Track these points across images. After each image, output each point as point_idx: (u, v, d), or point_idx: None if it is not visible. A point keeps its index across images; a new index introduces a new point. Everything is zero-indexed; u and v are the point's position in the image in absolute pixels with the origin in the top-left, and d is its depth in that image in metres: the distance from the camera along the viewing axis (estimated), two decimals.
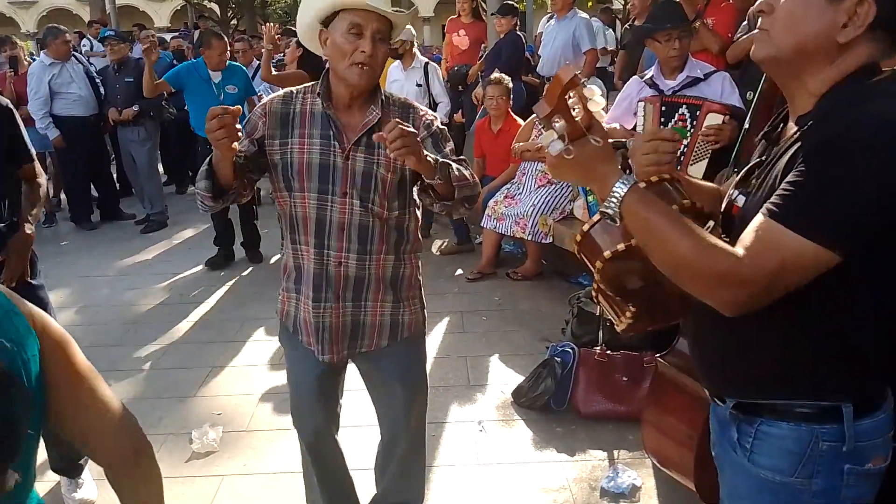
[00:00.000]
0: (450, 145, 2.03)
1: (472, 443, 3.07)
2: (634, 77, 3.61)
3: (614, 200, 1.21)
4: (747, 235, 1.15)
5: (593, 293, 1.42)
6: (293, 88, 2.02)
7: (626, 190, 1.20)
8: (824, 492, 1.26)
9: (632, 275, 1.30)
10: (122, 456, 1.16)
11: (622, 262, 1.28)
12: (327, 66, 1.96)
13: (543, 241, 4.80)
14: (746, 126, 2.16)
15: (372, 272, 2.00)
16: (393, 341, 2.10)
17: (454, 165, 1.89)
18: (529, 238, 4.80)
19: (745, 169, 1.37)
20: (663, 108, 3.12)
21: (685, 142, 3.05)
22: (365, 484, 2.46)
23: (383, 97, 1.98)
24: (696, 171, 2.97)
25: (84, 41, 9.92)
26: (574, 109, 1.18)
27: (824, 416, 1.24)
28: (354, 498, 2.41)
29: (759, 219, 1.15)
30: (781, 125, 1.34)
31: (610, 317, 1.42)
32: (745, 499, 1.36)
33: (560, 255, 4.94)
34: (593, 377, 3.21)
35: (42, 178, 2.61)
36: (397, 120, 1.71)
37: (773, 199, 1.15)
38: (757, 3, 1.27)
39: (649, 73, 3.42)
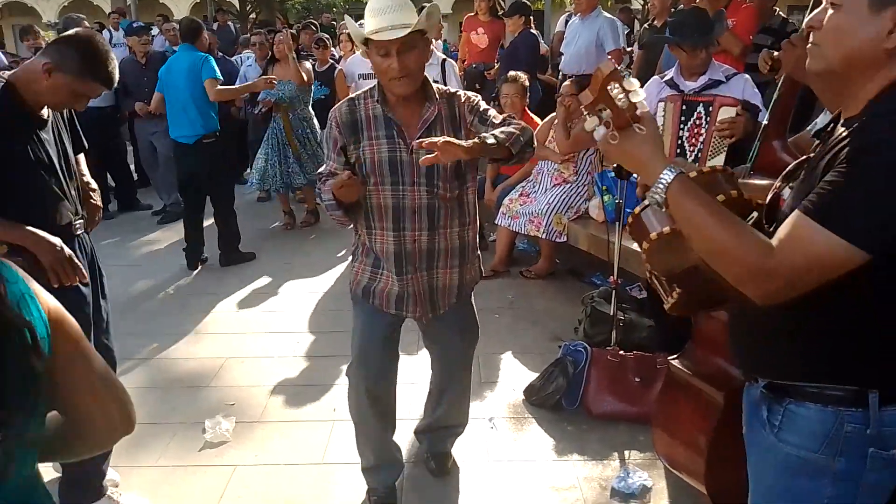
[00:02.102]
0: (492, 111, 2.27)
1: (483, 440, 3.07)
2: (655, 77, 3.59)
3: (661, 187, 1.27)
4: (782, 230, 1.21)
5: (647, 274, 1.55)
6: (353, 96, 2.30)
7: (672, 177, 1.27)
8: (846, 473, 1.31)
9: (676, 258, 1.39)
10: (109, 429, 1.15)
11: (667, 245, 1.37)
12: None
13: (558, 239, 4.79)
14: (763, 127, 2.15)
15: (441, 244, 2.31)
16: (459, 299, 2.47)
17: (498, 131, 2.11)
18: (544, 236, 4.79)
19: (795, 164, 1.43)
20: (684, 107, 3.11)
21: (701, 138, 3.04)
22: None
23: (436, 92, 2.24)
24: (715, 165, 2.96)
25: (104, 32, 9.99)
26: (619, 100, 1.25)
27: (851, 401, 1.29)
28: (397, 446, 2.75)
29: (794, 214, 1.20)
30: (832, 125, 1.38)
31: (661, 295, 1.53)
32: (770, 476, 1.42)
33: (574, 254, 4.93)
34: (605, 377, 3.20)
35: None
36: (423, 141, 1.97)
37: (809, 196, 1.19)
38: (807, 19, 1.35)
39: (670, 74, 3.40)
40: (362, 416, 2.55)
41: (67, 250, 2.26)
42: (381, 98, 2.20)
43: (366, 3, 2.16)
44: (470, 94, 2.33)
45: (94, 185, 2.67)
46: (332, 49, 7.87)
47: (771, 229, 1.31)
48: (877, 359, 1.27)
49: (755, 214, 1.37)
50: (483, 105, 2.30)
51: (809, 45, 1.34)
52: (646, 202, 1.38)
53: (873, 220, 1.13)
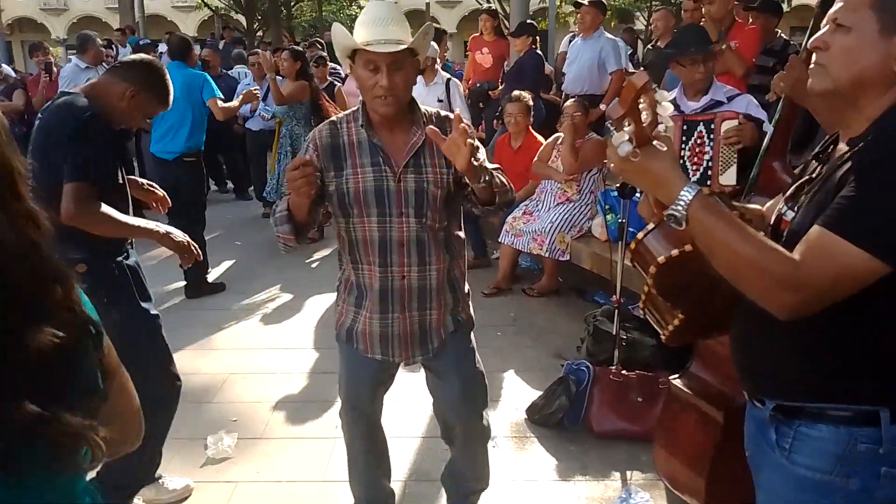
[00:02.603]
0: (483, 155, 2.09)
1: None
2: None
3: (682, 204, 1.27)
4: (803, 245, 1.21)
5: (640, 303, 1.51)
6: (335, 118, 2.14)
7: (693, 195, 1.26)
8: (860, 492, 1.31)
9: (684, 280, 1.38)
10: (122, 440, 1.17)
11: (674, 269, 1.36)
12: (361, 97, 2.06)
13: (561, 258, 4.80)
14: (764, 147, 2.17)
15: (433, 280, 2.12)
16: (454, 340, 2.24)
17: (495, 173, 2.01)
18: (547, 255, 4.80)
19: (795, 185, 1.43)
20: (685, 127, 3.13)
21: (707, 157, 3.04)
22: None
23: (424, 115, 2.08)
24: (727, 179, 2.96)
25: (112, 48, 10.10)
26: (643, 114, 1.25)
27: (863, 420, 1.29)
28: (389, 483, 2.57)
29: (814, 230, 1.21)
30: (832, 147, 1.40)
31: (655, 325, 1.51)
32: (783, 496, 1.41)
33: (577, 272, 4.94)
34: (608, 396, 3.20)
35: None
36: (435, 130, 1.85)
37: (828, 211, 1.21)
38: (812, 39, 1.35)
39: (672, 95, 3.43)
40: (355, 456, 2.45)
41: (185, 236, 2.60)
42: (366, 122, 2.04)
43: None
44: (470, 126, 2.19)
45: None
46: (337, 66, 7.93)
47: None
48: (887, 376, 1.28)
49: (760, 234, 1.36)
50: (478, 145, 2.07)
51: (813, 65, 1.34)
52: (649, 226, 1.39)
53: (893, 230, 1.15)
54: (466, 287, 2.29)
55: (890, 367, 1.27)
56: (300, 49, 6.92)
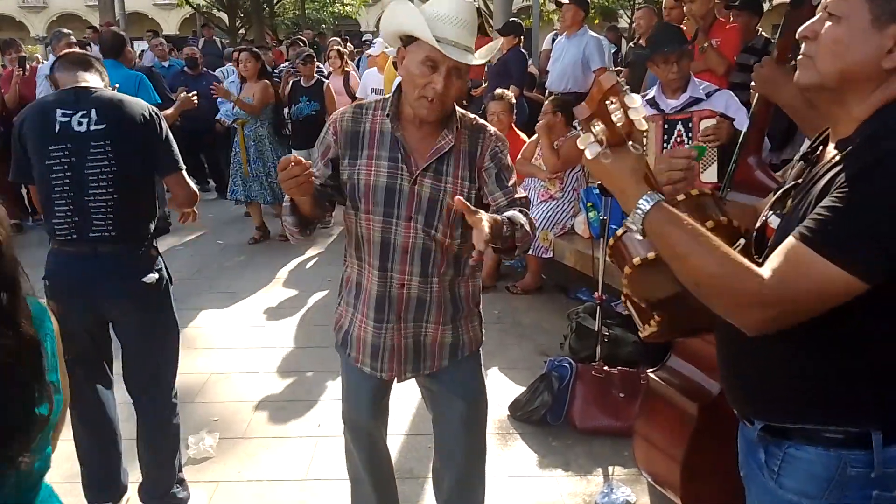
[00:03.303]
0: (513, 178, 1.98)
1: None
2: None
3: (639, 214, 1.21)
4: (775, 257, 1.15)
5: (622, 298, 1.47)
6: (363, 103, 1.98)
7: (649, 206, 1.20)
8: None
9: (659, 284, 1.32)
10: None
11: (650, 270, 1.31)
12: (398, 82, 1.91)
13: (544, 255, 4.82)
14: (739, 143, 2.18)
15: (434, 294, 1.97)
16: (454, 360, 2.08)
17: (521, 221, 1.80)
18: (530, 252, 4.81)
19: (782, 190, 1.36)
20: (665, 126, 3.15)
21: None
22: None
23: (458, 120, 1.92)
24: (709, 176, 2.98)
25: (89, 47, 9.97)
26: (615, 115, 1.18)
27: (853, 442, 1.22)
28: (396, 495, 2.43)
29: (789, 241, 1.14)
30: (821, 147, 1.32)
31: (636, 322, 1.46)
32: None
33: (560, 269, 4.96)
34: (590, 392, 3.22)
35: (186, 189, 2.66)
36: (464, 204, 1.61)
37: (805, 222, 1.13)
38: (801, 28, 1.26)
39: (651, 94, 3.45)
40: (357, 480, 2.31)
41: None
42: (394, 114, 1.88)
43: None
44: (500, 136, 2.00)
45: None
46: (319, 64, 7.91)
47: (760, 259, 1.24)
48: (879, 397, 1.21)
49: (742, 241, 1.32)
50: (507, 159, 1.99)
51: (801, 56, 1.26)
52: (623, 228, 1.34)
53: (874, 249, 1.08)
54: (476, 307, 2.12)
55: (881, 387, 1.20)
56: (257, 50, 6.84)
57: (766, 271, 1.14)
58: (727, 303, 1.17)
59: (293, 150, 6.54)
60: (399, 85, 1.89)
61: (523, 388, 3.40)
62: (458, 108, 1.94)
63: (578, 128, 1.23)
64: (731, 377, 1.42)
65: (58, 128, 2.34)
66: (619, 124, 1.19)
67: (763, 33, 5.09)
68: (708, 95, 3.28)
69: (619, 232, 1.38)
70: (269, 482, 2.91)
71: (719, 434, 1.57)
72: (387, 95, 1.95)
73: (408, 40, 1.79)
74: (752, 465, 1.39)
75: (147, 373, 2.60)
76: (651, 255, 1.31)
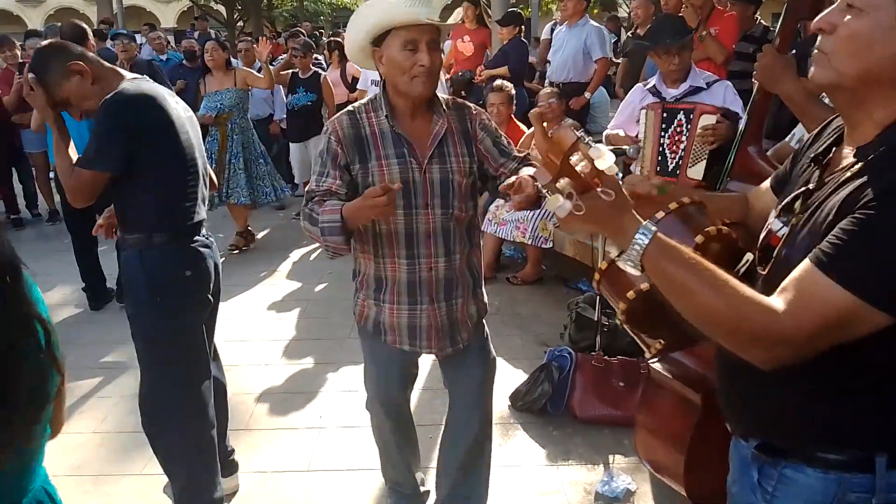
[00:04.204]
0: (504, 138, 2.14)
1: None
2: (638, 85, 3.64)
3: (636, 251, 1.12)
4: (790, 285, 1.04)
5: (617, 320, 1.40)
6: (353, 107, 2.07)
7: (647, 241, 1.10)
8: None
9: (657, 313, 1.21)
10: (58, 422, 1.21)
11: (647, 301, 1.22)
12: (383, 82, 2.01)
13: (543, 245, 4.82)
14: (739, 137, 2.18)
15: (457, 270, 2.12)
16: (477, 329, 2.25)
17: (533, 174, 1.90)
18: (530, 242, 4.82)
19: (791, 197, 1.24)
20: (664, 115, 3.15)
21: (682, 146, 3.08)
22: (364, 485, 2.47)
23: (443, 104, 2.06)
24: (695, 172, 3.00)
25: None
26: (579, 166, 1.09)
27: (855, 466, 1.14)
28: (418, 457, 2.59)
29: (804, 266, 1.03)
30: (833, 149, 1.20)
31: (640, 346, 1.40)
32: None
33: (560, 259, 4.96)
34: (590, 382, 3.23)
35: None
36: (524, 178, 1.81)
37: (823, 245, 1.02)
38: (817, 19, 1.13)
39: (652, 82, 3.45)
40: (388, 448, 2.46)
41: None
42: (389, 112, 2.00)
43: (353, 10, 2.07)
44: (480, 109, 2.16)
45: None
46: (317, 56, 7.89)
47: (765, 272, 1.18)
48: (885, 418, 1.12)
49: (749, 257, 1.24)
50: (493, 124, 2.15)
51: (816, 52, 1.14)
52: (612, 257, 1.24)
53: None
54: (481, 275, 2.29)
55: (888, 409, 1.12)
56: (224, 41, 6.73)
57: (779, 303, 1.03)
58: (737, 341, 1.08)
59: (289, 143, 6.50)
60: (384, 85, 2.01)
61: (523, 379, 3.41)
62: (439, 94, 2.07)
63: (546, 192, 1.13)
64: (729, 391, 1.34)
65: None
66: (585, 172, 1.09)
67: (762, 21, 5.09)
68: (708, 84, 3.28)
69: (604, 266, 1.28)
70: (271, 473, 2.92)
71: (722, 423, 1.57)
72: (370, 97, 2.06)
73: (378, 41, 1.91)
74: (743, 485, 1.30)
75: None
76: (645, 286, 1.21)
